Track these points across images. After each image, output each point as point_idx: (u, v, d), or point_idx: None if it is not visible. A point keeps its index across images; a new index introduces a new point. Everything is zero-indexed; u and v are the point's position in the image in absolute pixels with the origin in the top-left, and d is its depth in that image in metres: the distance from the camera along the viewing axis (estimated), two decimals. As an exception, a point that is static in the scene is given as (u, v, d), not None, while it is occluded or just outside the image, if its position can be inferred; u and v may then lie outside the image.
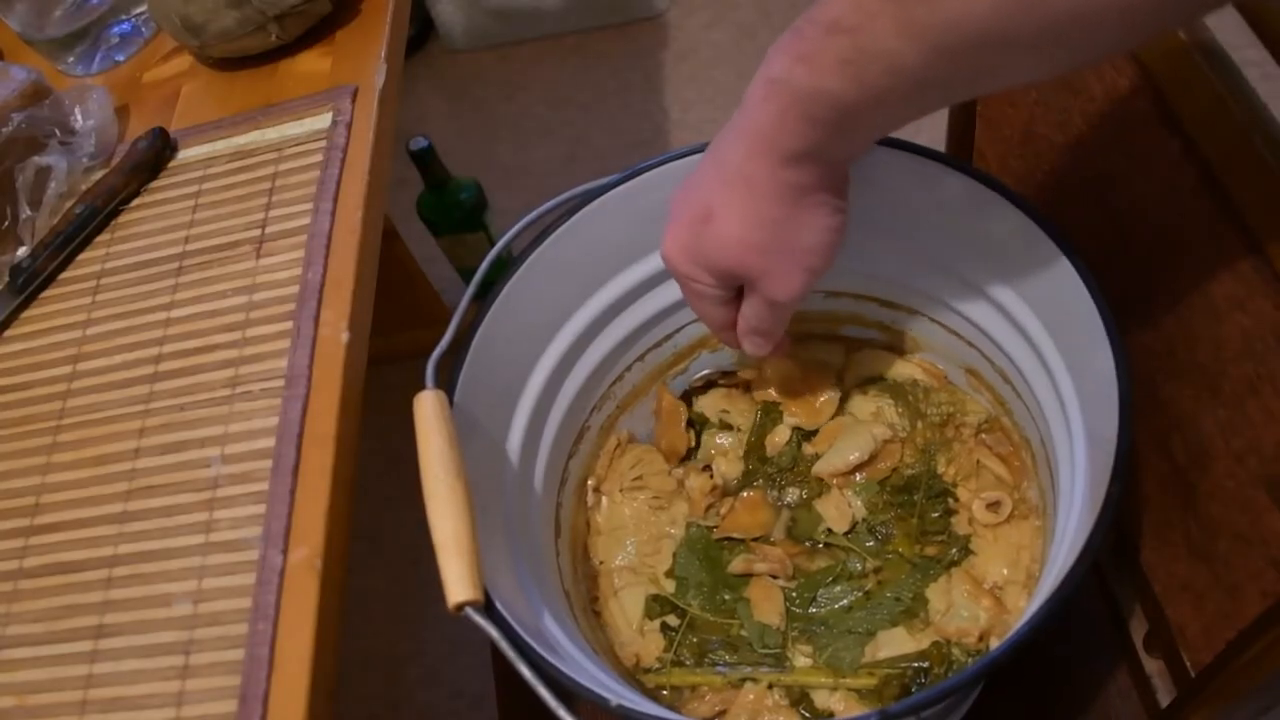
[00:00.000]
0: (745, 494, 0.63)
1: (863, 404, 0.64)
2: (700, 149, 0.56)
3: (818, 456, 0.62)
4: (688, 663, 0.57)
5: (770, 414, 0.65)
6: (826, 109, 0.38)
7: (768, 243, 0.45)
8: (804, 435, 0.64)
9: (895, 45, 0.35)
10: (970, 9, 0.33)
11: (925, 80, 0.36)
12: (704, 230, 0.46)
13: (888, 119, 0.40)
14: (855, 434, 0.61)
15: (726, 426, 0.66)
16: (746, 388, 0.67)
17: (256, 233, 0.64)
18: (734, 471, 0.64)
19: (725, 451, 0.65)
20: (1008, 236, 0.50)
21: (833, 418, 0.64)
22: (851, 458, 0.61)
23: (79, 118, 0.72)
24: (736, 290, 0.49)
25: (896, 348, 0.65)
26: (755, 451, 0.64)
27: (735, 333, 0.52)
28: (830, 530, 0.60)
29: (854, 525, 0.60)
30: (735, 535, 0.61)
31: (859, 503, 0.60)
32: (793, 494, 0.62)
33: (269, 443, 0.54)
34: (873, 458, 0.61)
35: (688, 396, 0.68)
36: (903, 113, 0.40)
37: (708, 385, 0.68)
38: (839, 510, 0.60)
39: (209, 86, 0.76)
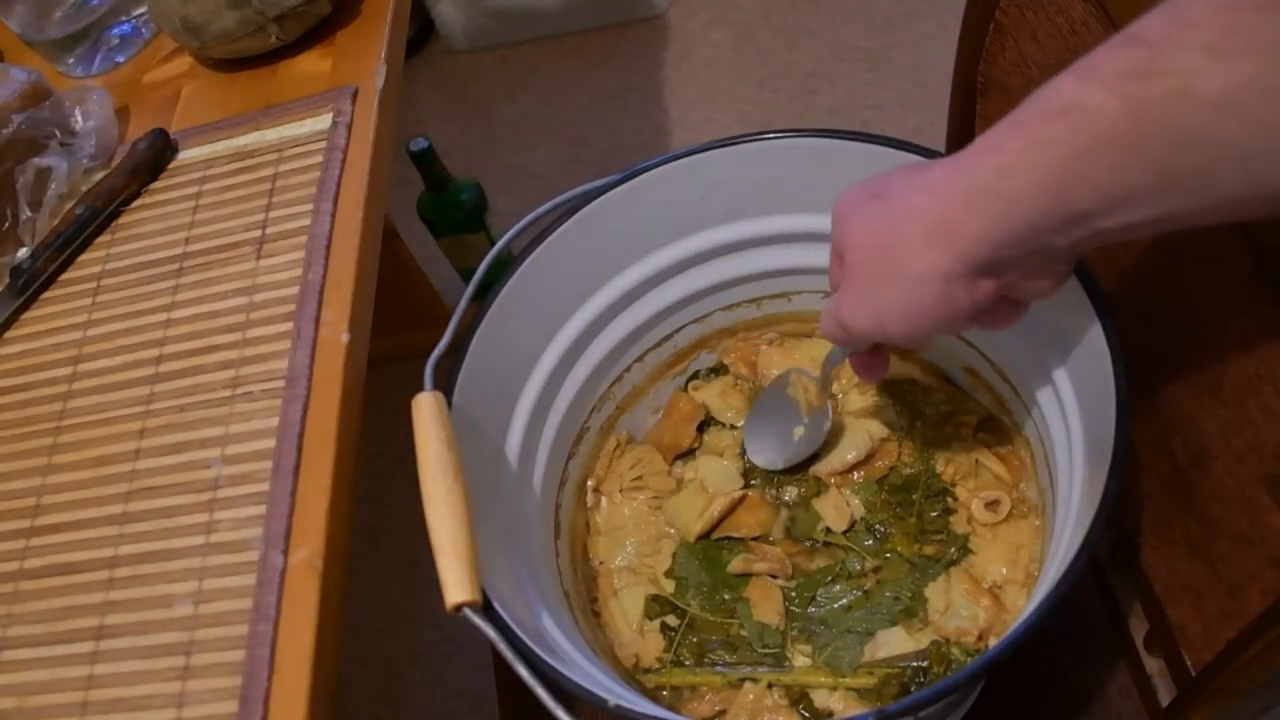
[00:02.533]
0: (744, 493, 0.63)
1: (861, 403, 0.64)
2: (700, 148, 0.57)
3: (816, 455, 0.62)
4: (687, 663, 0.57)
5: None
6: (1072, 129, 0.32)
7: (880, 257, 0.40)
8: None
9: (1199, 62, 0.28)
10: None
11: (1212, 132, 0.29)
12: (866, 204, 0.42)
13: (1118, 199, 0.32)
14: (853, 433, 0.62)
15: (725, 425, 0.66)
16: (744, 383, 0.67)
17: (257, 233, 0.64)
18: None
19: (723, 450, 0.65)
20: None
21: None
22: (849, 456, 0.61)
23: (79, 119, 0.72)
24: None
25: (896, 347, 0.65)
26: None
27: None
28: (829, 529, 0.60)
29: (853, 524, 0.60)
30: (735, 535, 0.61)
31: (857, 502, 0.60)
32: (791, 493, 0.62)
33: (269, 443, 0.54)
34: (870, 457, 0.61)
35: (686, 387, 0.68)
36: (1141, 200, 0.32)
37: (710, 374, 0.68)
38: (837, 509, 0.60)
39: (209, 87, 0.76)
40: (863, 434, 0.61)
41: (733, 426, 0.66)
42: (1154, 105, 0.30)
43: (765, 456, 0.62)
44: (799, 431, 0.61)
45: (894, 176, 0.41)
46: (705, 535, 0.61)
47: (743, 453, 0.65)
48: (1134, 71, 0.30)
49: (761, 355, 0.67)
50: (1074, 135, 0.32)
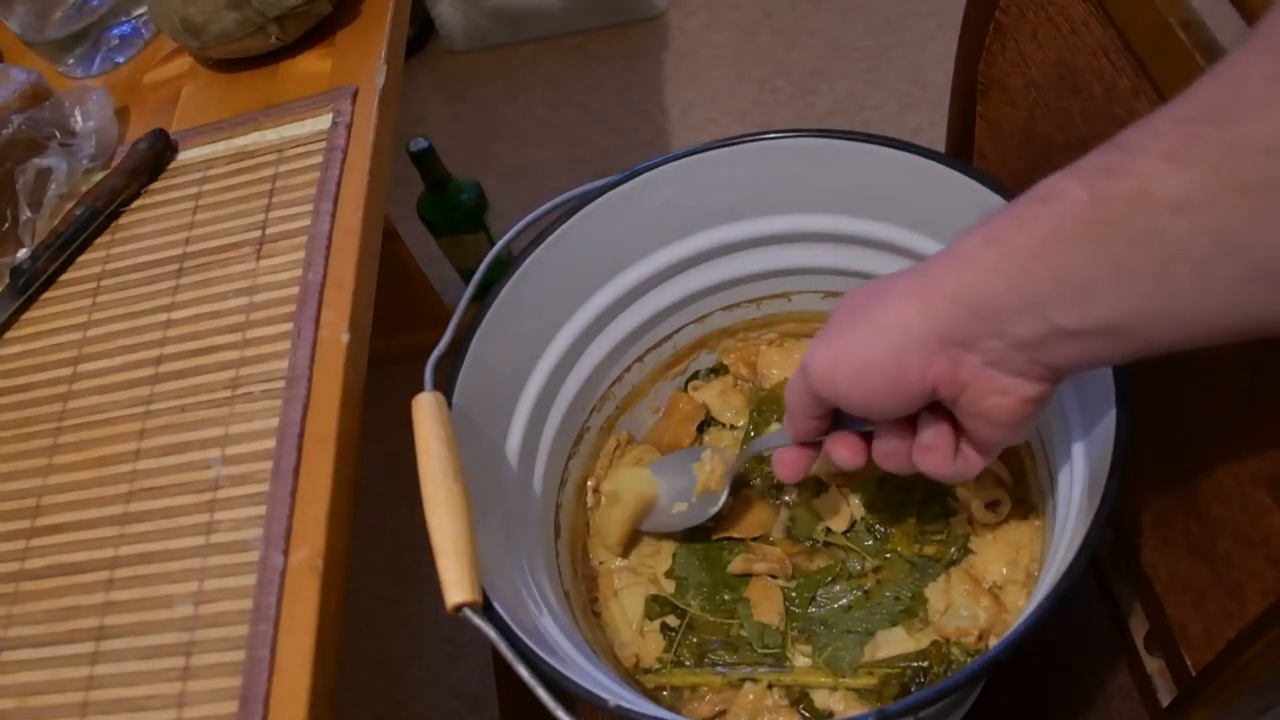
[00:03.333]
0: (744, 493, 0.63)
1: None
2: (700, 148, 0.57)
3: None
4: (687, 663, 0.57)
5: (764, 412, 0.65)
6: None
7: (859, 305, 0.40)
8: None
9: None
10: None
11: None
12: (841, 329, 0.41)
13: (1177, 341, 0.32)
14: None
15: (724, 425, 0.66)
16: (743, 384, 0.67)
17: (257, 234, 0.64)
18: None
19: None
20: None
21: None
22: None
23: (79, 119, 0.72)
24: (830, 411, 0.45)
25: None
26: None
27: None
28: (829, 529, 0.60)
29: (853, 524, 0.60)
30: (735, 535, 0.61)
31: (857, 501, 0.60)
32: (791, 493, 0.62)
33: (270, 444, 0.54)
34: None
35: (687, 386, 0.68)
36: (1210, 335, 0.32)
37: (710, 374, 0.68)
38: (838, 509, 0.60)
39: (209, 88, 0.76)
40: None
41: (732, 426, 0.66)
42: (1117, 201, 0.30)
43: (656, 519, 0.61)
44: (680, 507, 0.60)
45: (868, 294, 0.41)
46: (630, 541, 0.61)
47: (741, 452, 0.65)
48: (1106, 169, 0.31)
49: (762, 355, 0.67)
50: (1049, 220, 0.32)
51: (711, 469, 0.60)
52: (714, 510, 0.59)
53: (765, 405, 0.65)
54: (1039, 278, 0.33)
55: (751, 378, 0.67)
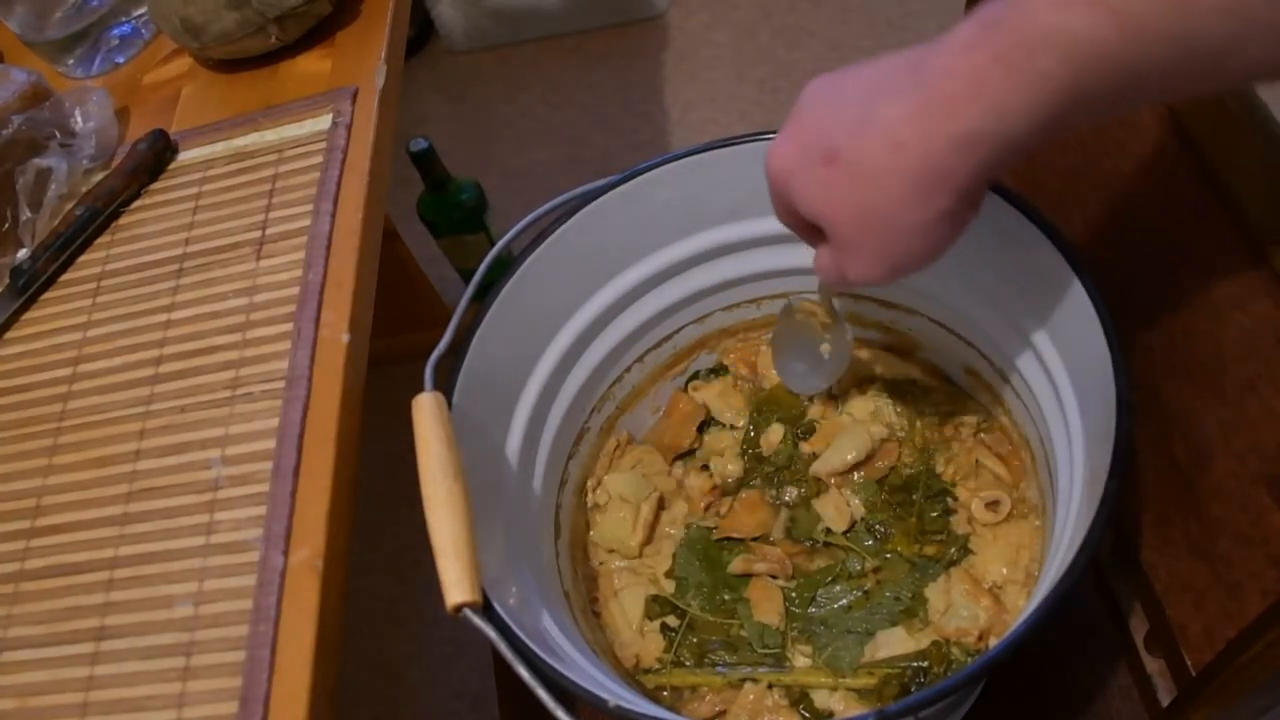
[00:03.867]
0: (744, 493, 0.63)
1: (861, 404, 0.64)
2: (700, 148, 0.57)
3: (815, 455, 0.62)
4: (687, 663, 0.57)
5: (764, 412, 0.65)
6: (1064, 59, 0.30)
7: (872, 220, 0.38)
8: (800, 434, 0.64)
9: None
10: None
11: (1202, 35, 0.28)
12: (819, 169, 0.39)
13: (1111, 99, 0.31)
14: (852, 434, 0.61)
15: (724, 426, 0.66)
16: (744, 384, 0.67)
17: (257, 234, 0.64)
18: (733, 471, 0.64)
19: (722, 451, 0.65)
20: (1006, 236, 0.50)
21: (831, 417, 0.64)
22: (849, 457, 0.60)
23: (79, 120, 0.72)
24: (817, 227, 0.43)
25: (895, 347, 0.65)
26: (752, 449, 0.64)
27: (808, 238, 0.45)
28: (829, 530, 0.60)
29: (853, 524, 0.60)
30: (735, 535, 0.61)
31: (857, 502, 0.60)
32: (791, 493, 0.62)
33: (270, 444, 0.54)
34: (870, 457, 0.61)
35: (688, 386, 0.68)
36: (1130, 94, 0.31)
37: (710, 374, 0.68)
38: (837, 509, 0.60)
39: (209, 88, 0.76)
40: (863, 434, 0.61)
41: (732, 427, 0.66)
42: (1150, 19, 0.29)
43: (808, 382, 0.63)
44: (825, 348, 0.60)
45: (832, 128, 0.38)
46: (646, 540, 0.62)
47: (742, 453, 0.65)
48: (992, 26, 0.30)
49: (762, 355, 0.67)
50: (1068, 66, 0.30)
51: (811, 312, 0.59)
52: (849, 335, 0.59)
53: (766, 405, 0.65)
54: (1072, 123, 0.33)
55: (751, 377, 0.67)
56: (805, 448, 0.63)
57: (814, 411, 0.64)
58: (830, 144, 0.38)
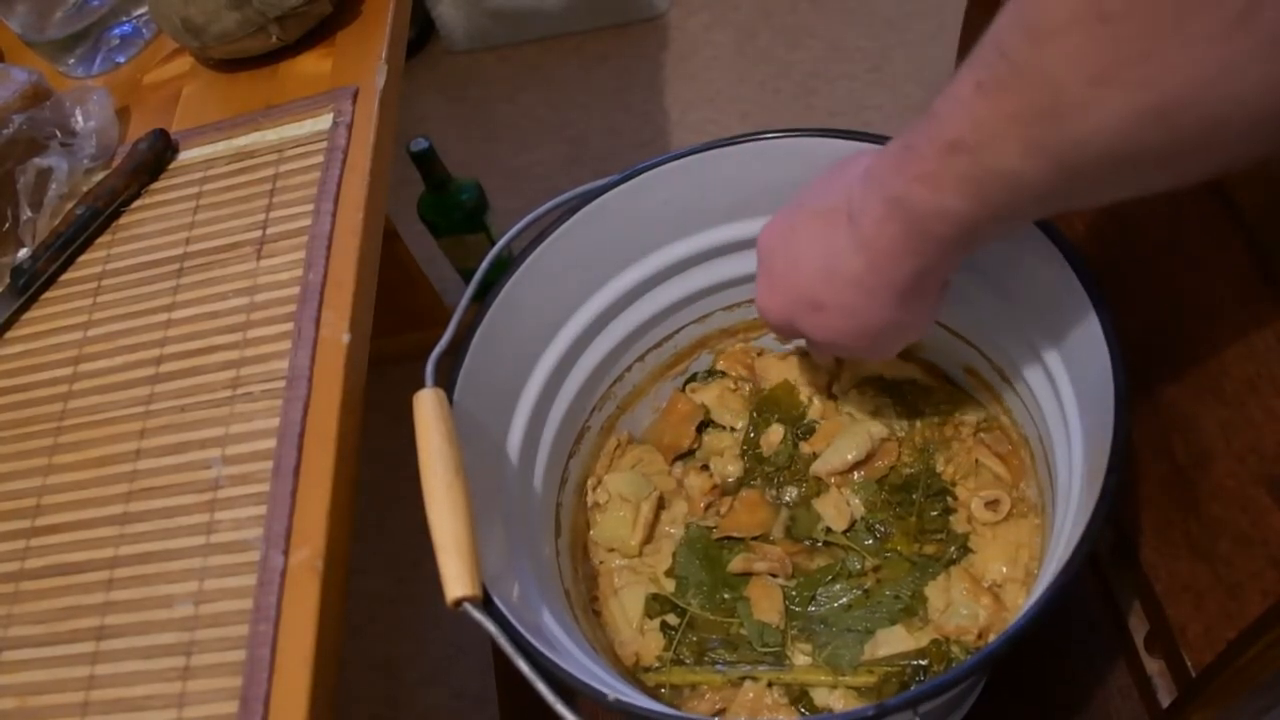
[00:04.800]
0: (744, 493, 0.63)
1: (861, 403, 0.64)
2: (701, 148, 0.57)
3: (815, 455, 0.62)
4: (687, 661, 0.57)
5: (764, 413, 0.65)
6: (948, 226, 0.39)
7: (876, 337, 0.47)
8: (800, 434, 0.64)
9: (1019, 165, 0.34)
10: (1098, 130, 0.31)
11: (1047, 195, 0.35)
12: (813, 316, 0.48)
13: (1007, 228, 0.40)
14: (852, 433, 0.62)
15: (724, 427, 0.66)
16: (743, 385, 0.67)
17: (257, 234, 0.64)
18: (733, 471, 0.64)
19: (722, 451, 0.65)
20: (1005, 236, 0.50)
21: (831, 417, 0.64)
22: (849, 456, 0.61)
23: (80, 119, 0.72)
24: None
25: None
26: (752, 450, 0.64)
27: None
28: (829, 529, 0.60)
29: (853, 524, 0.60)
30: (735, 535, 0.61)
31: (857, 501, 0.60)
32: (791, 493, 0.62)
33: (270, 444, 0.54)
34: (870, 457, 0.61)
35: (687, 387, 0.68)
36: (1021, 222, 0.41)
37: (710, 375, 0.68)
38: (837, 509, 0.60)
39: (210, 88, 0.76)
40: (862, 434, 0.61)
41: (732, 428, 0.66)
42: (1001, 201, 0.37)
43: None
44: None
45: (806, 284, 0.48)
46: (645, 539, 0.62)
47: (742, 453, 0.65)
48: (971, 178, 0.37)
49: (759, 358, 0.67)
50: (955, 229, 0.39)
51: None
52: None
53: (765, 406, 0.65)
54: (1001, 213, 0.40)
55: (749, 378, 0.67)
56: (805, 448, 0.63)
57: (814, 411, 0.64)
58: (812, 298, 0.47)
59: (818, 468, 0.62)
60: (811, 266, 0.47)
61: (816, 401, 0.65)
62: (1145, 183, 0.35)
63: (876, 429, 0.62)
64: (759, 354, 0.68)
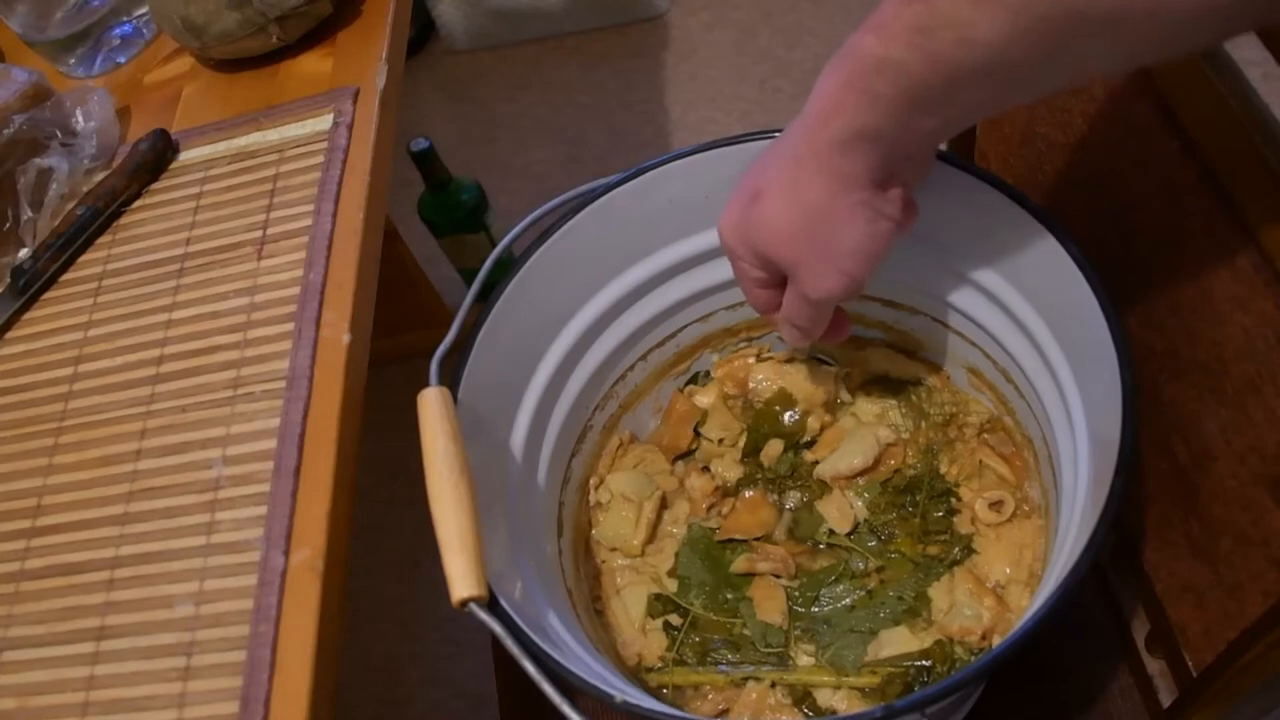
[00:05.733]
0: (745, 494, 0.63)
1: (867, 406, 0.64)
2: (704, 147, 0.57)
3: (818, 462, 0.62)
4: (690, 661, 0.57)
5: (760, 428, 0.64)
6: (890, 83, 0.37)
7: (803, 233, 0.44)
8: (802, 445, 0.63)
9: (969, 14, 0.34)
10: None
11: (995, 60, 0.35)
12: (751, 210, 0.45)
13: (950, 107, 0.38)
14: (859, 440, 0.61)
15: (715, 441, 0.66)
16: (733, 400, 0.66)
17: (258, 234, 0.64)
18: (733, 475, 0.64)
19: (723, 454, 0.65)
20: (1010, 235, 0.50)
21: (835, 422, 0.64)
22: (855, 462, 0.60)
23: (80, 119, 0.72)
24: (782, 277, 0.48)
25: (899, 347, 0.65)
26: (752, 457, 0.64)
27: (773, 310, 0.51)
28: (832, 531, 0.60)
29: (856, 527, 0.60)
30: (737, 537, 0.61)
31: (860, 504, 0.60)
32: (794, 497, 0.62)
33: (270, 444, 0.54)
34: (876, 462, 0.61)
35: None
36: (966, 101, 0.38)
37: (706, 376, 0.68)
38: (841, 512, 0.60)
39: (210, 88, 0.76)
40: (868, 440, 0.61)
41: (721, 441, 0.65)
42: (946, 54, 0.36)
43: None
44: None
45: (753, 177, 0.45)
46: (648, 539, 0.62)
47: (742, 459, 0.64)
48: (921, 27, 0.36)
49: (754, 370, 0.66)
50: (894, 88, 0.38)
51: None
52: None
53: (761, 422, 0.64)
54: (913, 122, 0.39)
55: (741, 394, 0.66)
56: (808, 455, 0.63)
57: (814, 422, 0.64)
58: (754, 185, 0.45)
59: (823, 471, 0.61)
60: (765, 156, 0.45)
61: (816, 411, 0.64)
62: (1092, 56, 0.35)
63: (884, 433, 0.61)
64: (758, 358, 0.66)
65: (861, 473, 0.61)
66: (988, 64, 0.35)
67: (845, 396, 0.65)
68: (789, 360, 0.65)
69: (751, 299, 0.51)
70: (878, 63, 0.37)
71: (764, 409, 0.65)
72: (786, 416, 0.64)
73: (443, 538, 0.45)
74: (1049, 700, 0.59)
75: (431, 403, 0.48)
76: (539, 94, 1.76)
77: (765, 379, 0.65)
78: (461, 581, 0.43)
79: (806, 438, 0.63)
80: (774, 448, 0.63)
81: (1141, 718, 0.56)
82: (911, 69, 0.36)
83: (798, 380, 0.64)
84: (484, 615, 0.43)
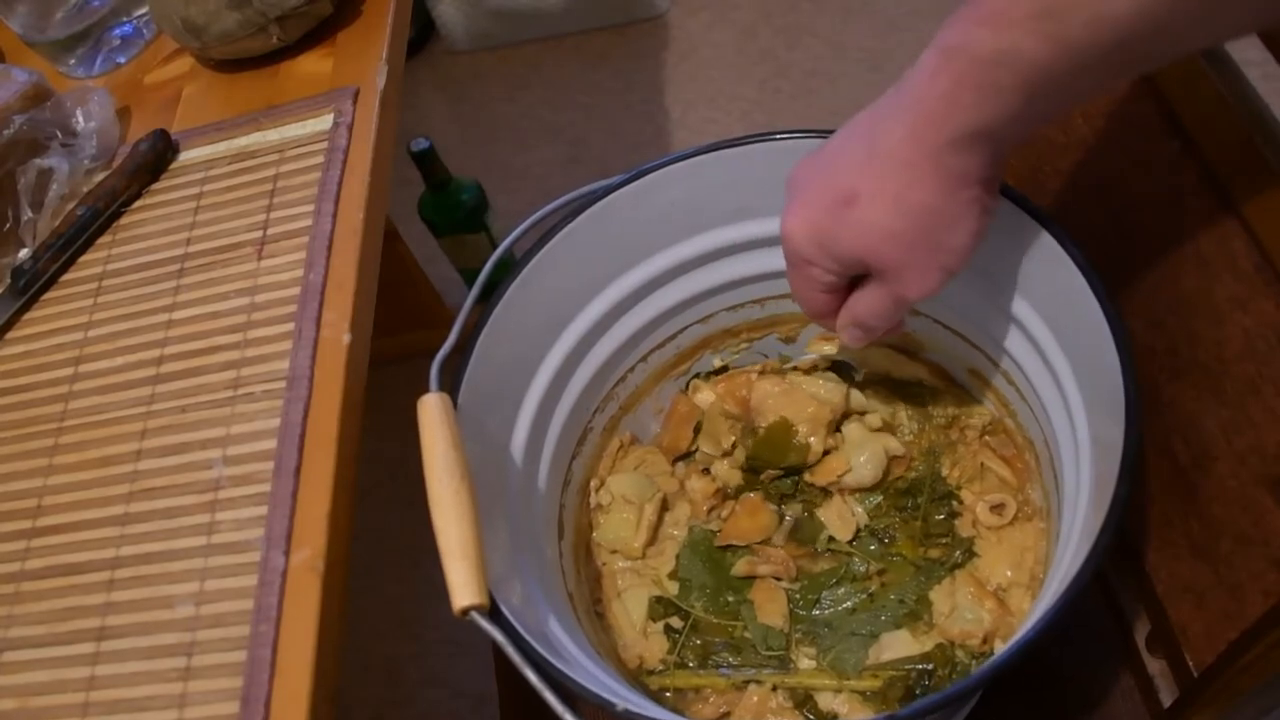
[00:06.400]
0: (745, 497, 0.62)
1: (876, 404, 0.63)
2: (705, 149, 0.57)
3: (818, 486, 0.61)
4: (691, 664, 0.57)
5: (760, 455, 0.62)
6: (1012, 74, 0.35)
7: (914, 235, 0.42)
8: (803, 469, 0.62)
9: None
10: None
11: (1128, 35, 0.33)
12: (844, 214, 0.42)
13: (1072, 89, 0.36)
14: (867, 453, 0.60)
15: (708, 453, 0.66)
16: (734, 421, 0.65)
17: (258, 234, 0.64)
18: (733, 480, 0.64)
19: (722, 460, 0.65)
20: (1011, 237, 0.50)
21: (838, 446, 0.62)
22: (865, 477, 0.59)
23: (80, 120, 0.72)
24: (851, 281, 0.47)
25: (900, 348, 0.65)
26: (752, 475, 0.63)
27: (834, 319, 0.49)
28: (833, 538, 0.60)
29: (857, 534, 0.59)
30: (736, 543, 0.61)
31: (861, 510, 0.60)
32: (794, 508, 0.62)
33: (271, 444, 0.54)
34: (885, 475, 0.60)
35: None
36: (1088, 83, 0.36)
37: (710, 376, 0.68)
38: (842, 519, 0.60)
39: (210, 88, 0.76)
40: (879, 453, 0.60)
41: (725, 454, 0.64)
42: (1075, 35, 0.34)
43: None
44: None
45: (839, 177, 0.43)
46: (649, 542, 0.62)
47: (742, 469, 0.64)
48: (1047, 11, 0.34)
49: (756, 388, 0.63)
50: (1016, 78, 0.36)
51: None
52: None
53: (760, 451, 0.62)
54: (1037, 114, 0.38)
55: (742, 415, 0.63)
56: (809, 477, 0.61)
57: (816, 445, 0.60)
58: (844, 189, 0.42)
59: (825, 479, 0.61)
60: (850, 156, 0.42)
61: (817, 439, 0.61)
62: (1226, 20, 0.33)
63: (892, 444, 0.60)
64: (760, 374, 0.64)
65: (871, 488, 0.60)
66: (1119, 42, 0.33)
67: (857, 402, 0.63)
68: (791, 370, 0.64)
69: (810, 303, 0.49)
70: (997, 55, 0.35)
71: (764, 440, 0.62)
72: (787, 446, 0.61)
73: (444, 546, 0.44)
74: (1049, 700, 0.59)
75: (432, 408, 0.48)
76: (539, 94, 1.76)
77: (767, 399, 0.62)
78: (462, 590, 0.43)
79: (809, 462, 0.61)
80: (774, 472, 0.62)
81: (1142, 718, 0.56)
82: (1037, 57, 0.34)
83: (800, 401, 0.61)
84: (485, 624, 0.43)
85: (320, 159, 0.66)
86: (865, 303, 0.47)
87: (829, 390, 0.61)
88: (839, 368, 0.65)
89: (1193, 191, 0.48)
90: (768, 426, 0.61)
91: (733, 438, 0.64)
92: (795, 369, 0.65)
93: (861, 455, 0.60)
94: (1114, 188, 0.55)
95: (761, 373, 0.65)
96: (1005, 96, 0.36)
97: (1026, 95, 0.36)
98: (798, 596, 0.58)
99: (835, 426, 0.61)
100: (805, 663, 0.56)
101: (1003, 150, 0.40)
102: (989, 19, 0.35)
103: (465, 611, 0.43)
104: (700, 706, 0.55)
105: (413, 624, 1.26)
